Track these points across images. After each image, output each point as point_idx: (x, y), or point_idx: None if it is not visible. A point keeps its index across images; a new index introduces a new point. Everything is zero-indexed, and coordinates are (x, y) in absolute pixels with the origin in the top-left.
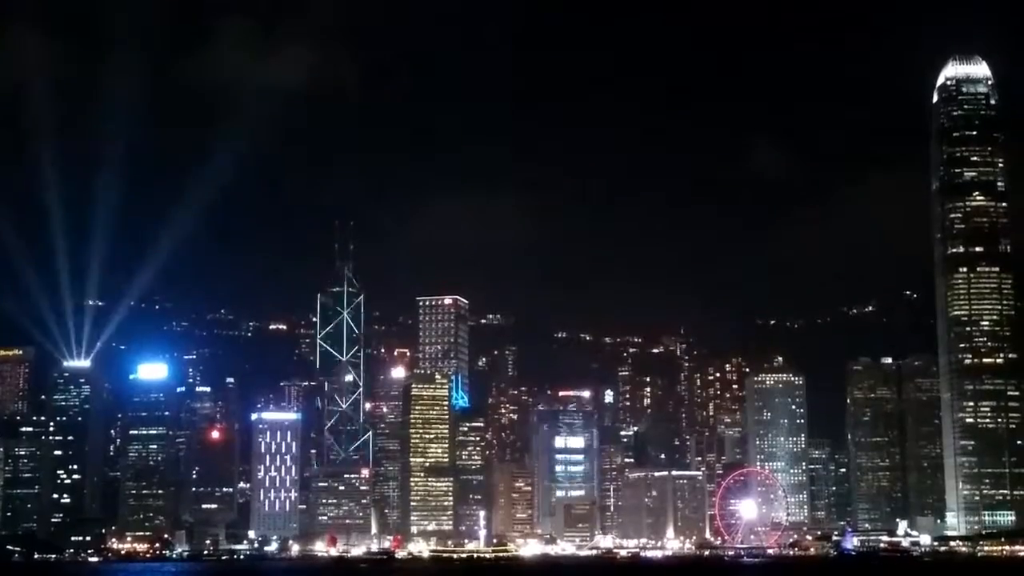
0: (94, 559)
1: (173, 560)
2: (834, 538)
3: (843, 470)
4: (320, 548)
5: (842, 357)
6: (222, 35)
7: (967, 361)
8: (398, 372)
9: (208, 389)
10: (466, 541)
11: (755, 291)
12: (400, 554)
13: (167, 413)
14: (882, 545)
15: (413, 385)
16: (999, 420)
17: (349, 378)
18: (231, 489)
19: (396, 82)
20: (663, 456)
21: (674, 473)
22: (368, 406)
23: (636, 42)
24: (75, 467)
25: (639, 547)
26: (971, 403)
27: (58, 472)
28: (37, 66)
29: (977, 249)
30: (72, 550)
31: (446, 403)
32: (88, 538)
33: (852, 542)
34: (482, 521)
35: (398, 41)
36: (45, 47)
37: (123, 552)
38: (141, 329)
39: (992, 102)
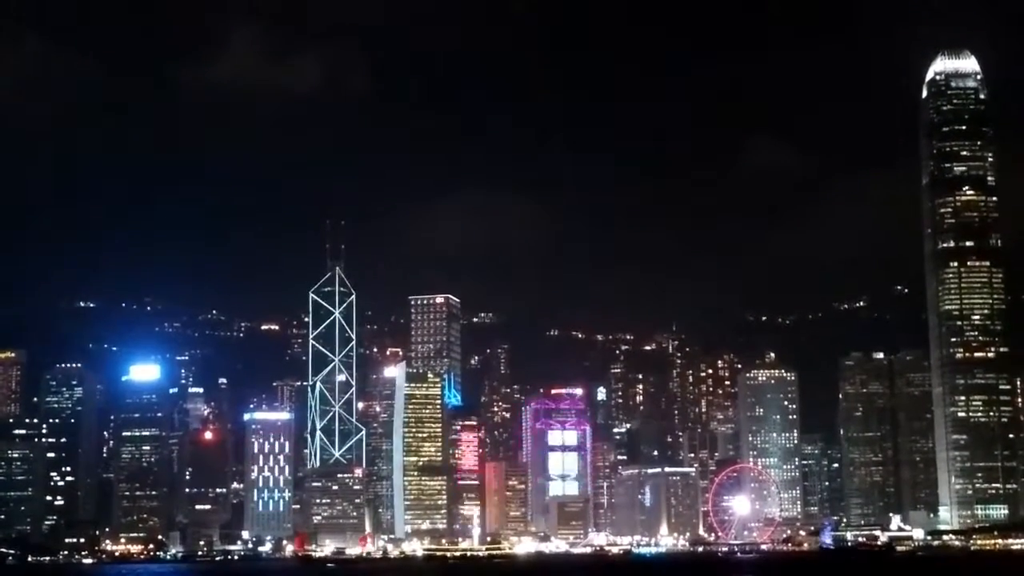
0: (88, 561)
1: (167, 561)
2: (829, 532)
3: (836, 465)
4: (314, 548)
5: (834, 352)
6: (218, 37)
7: (958, 355)
8: (390, 371)
9: (200, 390)
10: (460, 540)
11: (746, 287)
12: (367, 552)
13: (160, 414)
14: (859, 539)
15: (406, 384)
16: (991, 414)
17: (342, 378)
18: (224, 490)
19: (395, 82)
20: (656, 453)
21: (667, 470)
22: (361, 405)
23: (635, 42)
24: (68, 469)
25: (632, 544)
26: (963, 397)
27: (51, 474)
28: (32, 70)
29: (968, 243)
30: (66, 552)
31: (439, 402)
32: (82, 540)
33: (830, 537)
34: (476, 519)
35: (398, 41)
36: (39, 51)
37: (117, 554)
38: (133, 330)
39: (981, 96)
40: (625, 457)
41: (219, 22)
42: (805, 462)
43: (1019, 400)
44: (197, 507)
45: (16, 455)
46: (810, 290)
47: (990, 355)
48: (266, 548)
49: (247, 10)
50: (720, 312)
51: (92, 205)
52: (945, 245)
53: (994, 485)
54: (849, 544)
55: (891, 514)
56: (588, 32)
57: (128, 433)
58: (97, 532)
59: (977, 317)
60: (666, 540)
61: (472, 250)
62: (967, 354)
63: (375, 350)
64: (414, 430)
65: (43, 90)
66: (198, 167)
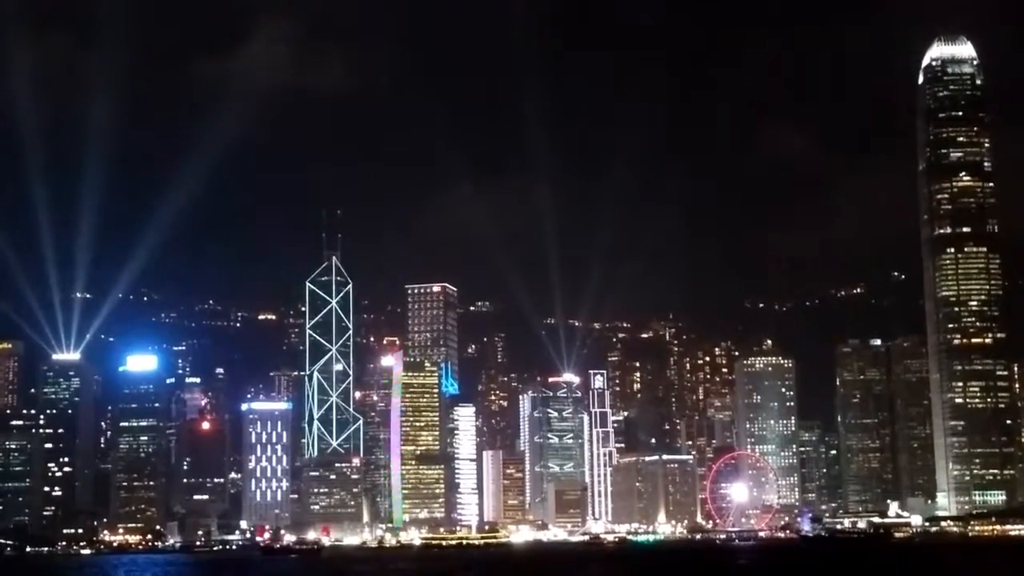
0: (86, 551)
1: (165, 551)
2: (808, 520)
3: (833, 452)
4: (312, 536)
5: (831, 339)
6: (221, 30)
7: (956, 341)
8: (388, 360)
9: (198, 380)
10: (458, 528)
11: (744, 275)
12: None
13: (157, 404)
14: (838, 527)
15: (403, 373)
16: (988, 400)
17: (339, 367)
18: (222, 480)
19: (391, 77)
20: (653, 441)
21: (665, 457)
22: (358, 395)
23: (636, 39)
24: (66, 460)
25: (629, 532)
26: (960, 383)
27: (49, 465)
28: (24, 61)
29: (964, 229)
30: (64, 543)
31: (436, 391)
32: (80, 530)
33: (809, 524)
34: (474, 508)
35: (394, 38)
36: (35, 42)
37: (115, 544)
38: (130, 321)
39: (978, 82)
40: (623, 445)
41: (212, 15)
42: (803, 449)
43: (1016, 386)
44: (195, 497)
45: (14, 446)
46: (807, 277)
47: (987, 341)
48: (263, 538)
49: (248, 6)
50: (717, 300)
51: (87, 197)
52: (942, 231)
53: (991, 471)
54: (829, 532)
55: (889, 500)
56: (588, 31)
57: (126, 424)
58: (95, 523)
59: (974, 303)
60: (664, 528)
61: (469, 239)
62: (964, 340)
63: (372, 339)
64: (412, 419)
65: (44, 86)
66: (195, 157)
